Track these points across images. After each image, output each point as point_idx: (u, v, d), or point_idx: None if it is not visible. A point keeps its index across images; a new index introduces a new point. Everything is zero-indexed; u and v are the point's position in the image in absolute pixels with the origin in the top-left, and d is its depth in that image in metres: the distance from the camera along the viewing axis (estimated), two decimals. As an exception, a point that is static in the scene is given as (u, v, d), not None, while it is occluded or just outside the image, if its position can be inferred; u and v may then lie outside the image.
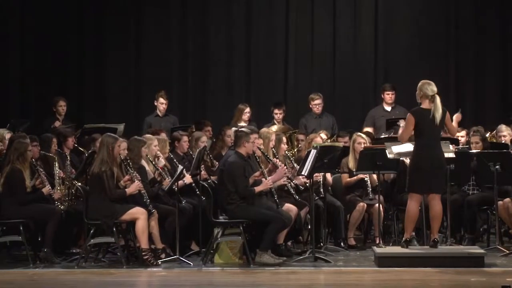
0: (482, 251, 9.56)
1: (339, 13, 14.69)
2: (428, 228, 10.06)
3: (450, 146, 9.94)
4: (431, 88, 9.43)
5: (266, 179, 9.73)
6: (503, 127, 11.59)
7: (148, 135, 10.72)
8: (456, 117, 9.83)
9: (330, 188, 11.00)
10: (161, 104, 13.06)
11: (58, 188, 10.24)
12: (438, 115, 9.36)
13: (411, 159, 9.55)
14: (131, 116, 14.21)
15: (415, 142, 9.49)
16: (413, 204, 9.48)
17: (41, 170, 10.02)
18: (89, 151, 10.70)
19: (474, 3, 14.64)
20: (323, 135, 11.63)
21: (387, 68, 14.66)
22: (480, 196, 10.68)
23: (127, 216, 9.56)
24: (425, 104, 9.42)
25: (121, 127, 12.16)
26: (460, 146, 11.07)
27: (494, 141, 11.55)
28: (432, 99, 9.38)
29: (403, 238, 9.58)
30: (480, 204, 10.69)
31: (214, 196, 9.74)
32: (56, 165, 10.37)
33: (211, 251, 9.80)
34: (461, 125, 12.38)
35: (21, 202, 9.76)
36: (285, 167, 10.05)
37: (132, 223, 9.61)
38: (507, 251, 10.08)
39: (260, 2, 14.83)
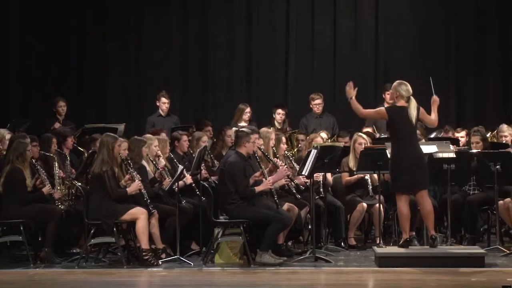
0: (482, 251, 9.56)
1: (339, 13, 14.70)
2: (428, 228, 10.09)
3: (451, 146, 9.93)
4: (407, 88, 9.49)
5: (266, 179, 9.73)
6: (504, 127, 11.58)
7: (148, 135, 10.73)
8: (433, 101, 9.74)
9: (330, 188, 11.00)
10: (163, 103, 13.05)
11: (58, 188, 10.24)
12: (414, 115, 9.40)
13: (390, 159, 9.56)
14: (132, 116, 14.23)
15: (392, 142, 9.54)
16: (402, 204, 9.50)
17: (41, 170, 10.02)
18: (89, 151, 10.71)
19: (474, 3, 14.64)
20: (323, 134, 11.65)
21: (387, 68, 14.67)
22: (481, 196, 10.68)
23: (127, 216, 9.56)
24: (400, 103, 9.48)
25: (121, 127, 12.18)
26: (461, 146, 11.07)
27: (495, 141, 11.55)
28: (407, 100, 9.42)
29: (403, 239, 9.57)
30: (481, 204, 10.69)
31: (215, 196, 9.74)
32: (56, 165, 10.38)
33: (212, 251, 9.79)
34: (461, 125, 12.42)
35: (22, 201, 9.76)
36: (285, 167, 10.05)
37: (132, 223, 9.61)
38: (508, 251, 10.08)
39: (261, 2, 14.84)
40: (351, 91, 9.79)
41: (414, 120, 9.39)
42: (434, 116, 9.62)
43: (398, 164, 9.42)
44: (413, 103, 9.43)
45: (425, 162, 9.51)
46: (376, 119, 9.92)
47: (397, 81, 9.60)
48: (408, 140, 9.44)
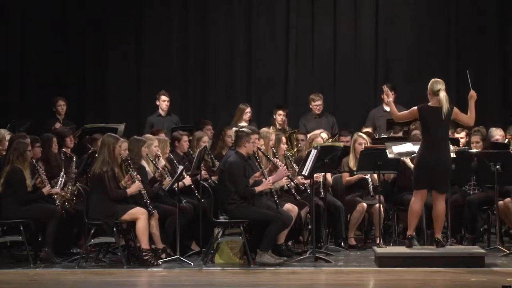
0: (482, 251, 9.57)
1: (339, 13, 14.69)
2: (429, 228, 10.07)
3: (451, 146, 9.94)
4: (437, 85, 9.50)
5: (266, 179, 9.73)
6: (493, 130, 11.63)
7: (148, 135, 10.73)
8: (470, 97, 9.70)
9: (330, 188, 11.00)
10: (164, 102, 13.04)
11: (69, 187, 10.27)
12: (445, 108, 9.37)
13: (417, 156, 9.58)
14: (132, 116, 14.21)
15: (422, 140, 9.55)
16: (416, 201, 9.51)
17: (42, 170, 10.02)
18: (89, 151, 10.71)
19: (474, 3, 14.64)
20: (323, 135, 11.65)
21: (387, 68, 14.67)
22: (481, 196, 10.68)
23: (127, 216, 9.56)
24: (433, 102, 9.48)
25: (121, 127, 12.17)
26: (461, 146, 11.06)
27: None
28: (437, 93, 9.44)
29: (407, 235, 9.59)
30: (481, 204, 10.69)
31: (215, 196, 9.74)
32: (74, 164, 10.43)
33: (212, 251, 9.80)
34: (462, 125, 12.39)
35: (22, 201, 9.76)
36: (285, 167, 10.05)
37: (132, 223, 9.62)
38: (508, 251, 10.08)
39: (261, 2, 14.83)
40: (389, 94, 9.93)
41: (445, 114, 9.34)
42: (470, 114, 9.54)
43: (424, 163, 9.43)
44: (442, 96, 9.38)
45: (449, 166, 9.51)
46: (410, 119, 9.97)
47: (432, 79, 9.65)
48: (437, 141, 9.44)
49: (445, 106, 9.41)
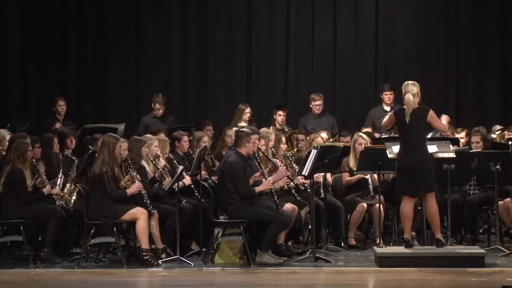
0: (482, 251, 9.57)
1: (339, 13, 14.69)
2: (429, 228, 10.07)
3: (451, 146, 9.94)
4: (406, 87, 9.49)
5: (266, 179, 9.73)
6: (497, 127, 11.63)
7: (148, 135, 10.74)
8: (445, 118, 9.87)
9: (330, 188, 10.99)
10: (158, 109, 13.12)
11: (67, 187, 10.28)
12: (408, 110, 9.35)
13: (396, 161, 9.57)
14: (131, 116, 14.20)
15: (400, 143, 9.54)
16: (406, 205, 9.51)
17: (42, 170, 10.02)
18: (89, 151, 10.71)
19: (474, 3, 14.64)
20: (323, 135, 11.65)
21: (387, 68, 14.67)
22: (481, 196, 10.68)
23: (127, 216, 9.56)
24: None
25: (121, 127, 12.18)
26: (461, 146, 11.07)
27: (503, 141, 11.54)
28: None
29: (403, 238, 9.58)
30: (481, 204, 10.69)
31: (215, 196, 9.75)
32: (75, 168, 10.43)
33: (212, 251, 9.80)
34: (462, 125, 12.42)
35: (22, 201, 9.75)
36: (285, 167, 10.05)
37: (132, 223, 9.62)
38: (508, 251, 10.08)
39: (260, 2, 14.83)
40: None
41: (408, 118, 9.34)
42: (445, 121, 9.69)
43: (403, 167, 9.43)
44: (407, 99, 9.39)
45: (430, 165, 9.47)
46: (392, 124, 10.02)
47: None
48: (412, 142, 9.43)
49: (408, 108, 9.37)
